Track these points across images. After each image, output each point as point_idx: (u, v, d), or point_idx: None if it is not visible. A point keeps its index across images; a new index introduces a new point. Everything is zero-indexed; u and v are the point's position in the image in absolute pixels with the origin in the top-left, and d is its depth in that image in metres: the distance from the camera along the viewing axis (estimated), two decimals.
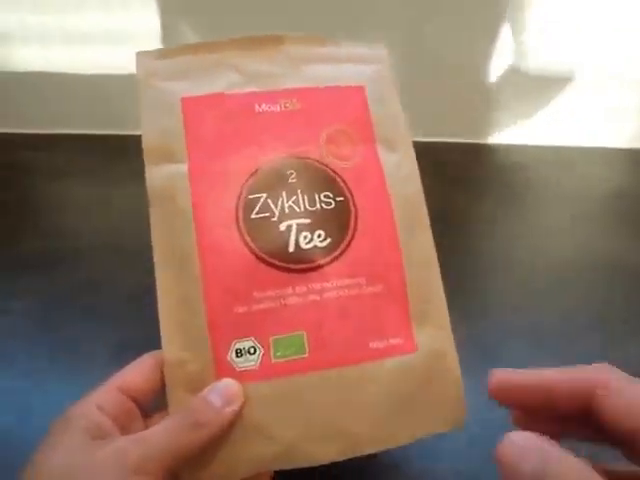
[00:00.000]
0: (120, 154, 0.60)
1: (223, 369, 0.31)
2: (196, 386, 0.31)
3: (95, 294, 0.50)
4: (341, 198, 0.34)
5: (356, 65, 0.38)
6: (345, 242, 0.33)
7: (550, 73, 0.76)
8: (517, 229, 0.59)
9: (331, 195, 0.34)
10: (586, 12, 0.71)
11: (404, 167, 0.36)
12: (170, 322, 0.32)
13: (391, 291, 0.34)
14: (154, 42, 0.69)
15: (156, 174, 0.34)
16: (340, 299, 0.33)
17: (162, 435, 0.28)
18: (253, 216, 0.33)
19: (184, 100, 0.36)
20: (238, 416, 0.30)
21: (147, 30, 0.69)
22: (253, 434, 0.31)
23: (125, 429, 0.31)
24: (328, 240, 0.33)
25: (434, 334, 0.34)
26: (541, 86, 0.77)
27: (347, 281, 0.33)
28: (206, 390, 0.30)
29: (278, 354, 0.32)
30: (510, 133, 0.79)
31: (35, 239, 0.56)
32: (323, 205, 0.34)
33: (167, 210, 0.34)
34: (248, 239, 0.33)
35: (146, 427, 0.31)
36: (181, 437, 0.29)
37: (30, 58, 0.69)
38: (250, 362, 0.31)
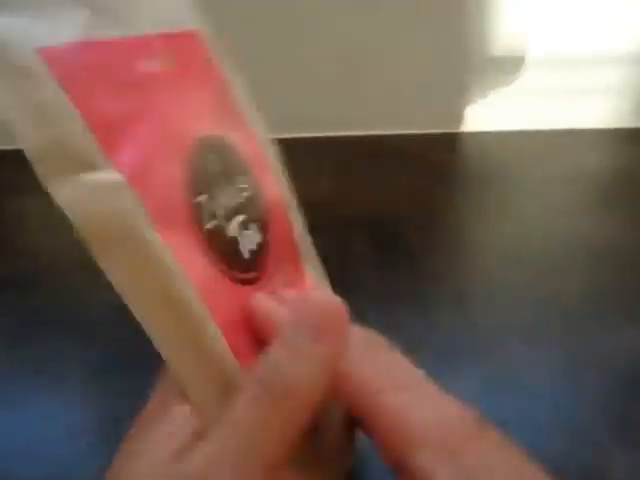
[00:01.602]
0: None
1: None
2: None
3: (66, 312, 0.45)
4: (244, 176, 0.28)
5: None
6: (269, 232, 0.29)
7: (519, 56, 0.71)
8: (498, 216, 0.55)
9: (244, 178, 0.27)
10: None
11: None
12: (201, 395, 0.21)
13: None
14: None
15: (75, 191, 0.18)
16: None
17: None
18: (207, 227, 0.24)
19: (41, 52, 0.18)
20: None
21: None
22: None
23: None
24: (261, 232, 0.28)
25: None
26: (512, 69, 0.72)
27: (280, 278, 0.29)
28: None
29: None
30: (485, 120, 0.72)
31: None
32: (244, 192, 0.27)
33: (127, 243, 0.19)
34: (214, 260, 0.24)
35: None
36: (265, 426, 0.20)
37: None
38: None
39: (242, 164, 0.28)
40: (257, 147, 0.31)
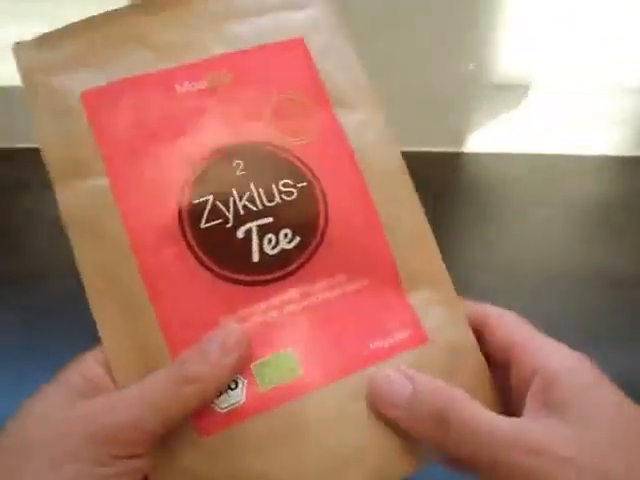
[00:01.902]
0: None
1: (203, 415, 0.26)
2: (177, 442, 0.26)
3: (72, 310, 0.44)
4: (303, 184, 0.29)
5: (289, 12, 0.31)
6: (317, 237, 0.28)
7: (525, 80, 0.75)
8: (495, 237, 0.58)
9: (291, 182, 0.29)
10: (571, 17, 0.69)
11: (371, 129, 0.30)
12: (127, 374, 0.27)
13: (381, 281, 0.29)
14: None
15: (69, 195, 0.27)
16: (323, 304, 0.28)
17: (143, 395, 0.24)
18: (203, 226, 0.27)
19: (84, 95, 0.28)
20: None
21: None
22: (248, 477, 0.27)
23: None
24: (297, 239, 0.28)
25: (445, 319, 0.29)
26: (518, 93, 0.76)
27: (325, 282, 0.28)
28: (204, 339, 0.26)
29: (266, 381, 0.27)
30: (487, 142, 0.77)
31: (9, 254, 0.54)
32: (284, 196, 0.28)
33: (93, 238, 0.27)
34: (201, 255, 0.27)
35: None
36: (166, 395, 0.24)
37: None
38: (234, 399, 0.26)
39: (295, 169, 0.28)
40: (340, 155, 0.29)
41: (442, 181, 0.64)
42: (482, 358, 0.29)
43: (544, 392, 0.25)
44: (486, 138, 0.76)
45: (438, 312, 0.29)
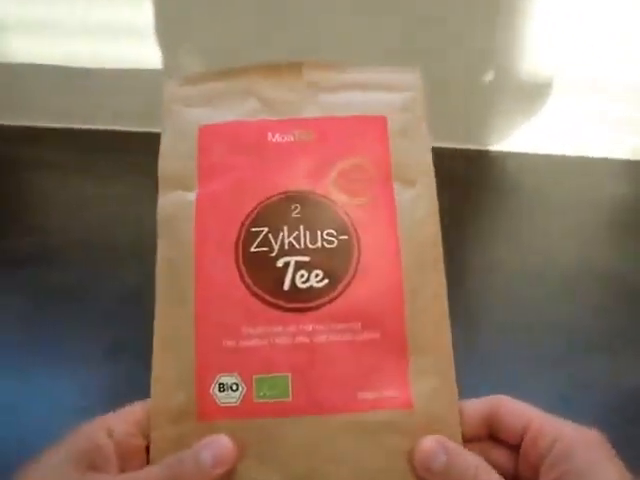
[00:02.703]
0: (106, 149, 0.59)
1: (206, 402, 0.31)
2: (178, 419, 0.31)
3: (85, 293, 0.48)
4: (345, 237, 0.33)
5: (380, 93, 0.36)
6: (343, 284, 0.32)
7: (549, 81, 0.74)
8: (514, 236, 0.56)
9: (334, 233, 0.33)
10: (593, 21, 0.67)
11: (420, 208, 0.34)
12: (162, 350, 0.32)
13: (389, 340, 0.32)
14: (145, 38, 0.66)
15: (166, 201, 0.34)
16: (331, 344, 0.31)
17: None
18: (252, 249, 0.33)
19: (201, 128, 0.35)
20: None
21: (135, 26, 0.67)
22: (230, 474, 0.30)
23: (127, 460, 0.30)
24: (325, 281, 0.32)
25: (435, 392, 0.31)
26: (541, 94, 0.75)
27: (341, 325, 0.32)
28: (201, 444, 0.29)
29: (261, 394, 0.31)
30: (510, 141, 0.76)
31: (21, 236, 0.54)
32: (325, 243, 0.33)
33: (171, 235, 0.34)
34: (244, 272, 0.32)
35: (148, 462, 0.31)
36: None
37: (16, 50, 0.66)
38: (231, 398, 0.31)
39: (341, 224, 0.32)
40: (384, 222, 0.33)
41: (465, 179, 0.62)
42: (459, 434, 0.31)
43: (565, 459, 0.28)
44: (513, 138, 0.74)
45: (430, 383, 0.31)
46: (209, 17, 0.67)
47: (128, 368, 0.36)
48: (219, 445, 0.30)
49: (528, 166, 0.71)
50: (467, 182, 0.67)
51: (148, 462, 0.32)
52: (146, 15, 0.66)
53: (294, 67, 0.36)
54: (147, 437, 0.32)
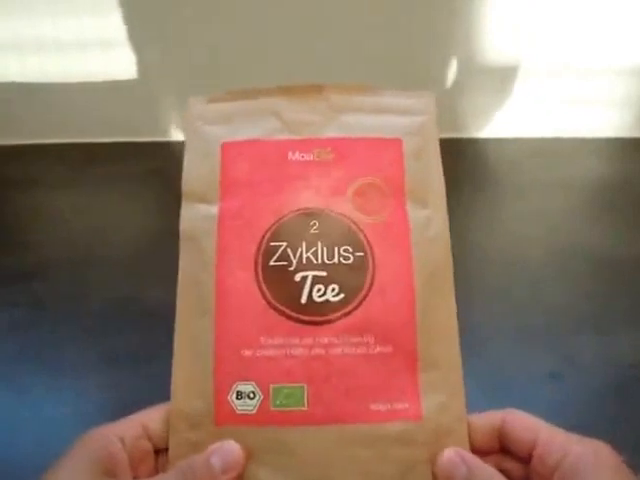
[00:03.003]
0: (91, 162, 0.60)
1: (223, 409, 0.32)
2: (197, 423, 0.32)
3: (78, 304, 0.49)
4: (361, 253, 0.34)
5: (397, 116, 0.38)
6: (358, 299, 0.33)
7: (523, 64, 0.74)
8: (495, 222, 0.58)
9: (351, 249, 0.34)
10: (571, 3, 0.68)
11: (433, 226, 0.36)
12: (181, 357, 0.34)
13: (400, 354, 0.33)
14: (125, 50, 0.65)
15: (189, 213, 0.36)
16: (346, 356, 0.33)
17: None
18: (271, 263, 0.34)
19: (224, 145, 0.37)
20: None
21: (121, 37, 0.66)
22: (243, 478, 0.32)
23: (136, 466, 0.32)
24: (341, 295, 0.33)
25: (444, 406, 0.33)
26: (515, 78, 0.75)
27: (355, 339, 0.33)
28: (211, 450, 0.31)
29: (277, 402, 0.32)
30: (487, 127, 0.76)
31: (12, 251, 0.54)
32: (341, 259, 0.34)
33: (193, 248, 0.35)
34: (263, 285, 0.34)
35: (155, 466, 0.33)
36: None
37: (3, 68, 0.67)
38: (248, 406, 0.32)
39: (358, 241, 0.34)
40: (399, 240, 0.34)
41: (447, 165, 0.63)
42: (467, 445, 0.32)
43: (573, 475, 0.29)
44: (485, 123, 0.74)
45: (440, 396, 0.32)
46: (186, 25, 0.67)
47: (125, 376, 0.37)
48: (228, 451, 0.31)
49: (503, 151, 0.72)
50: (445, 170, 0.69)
51: (157, 465, 0.33)
52: (118, 27, 0.66)
53: (315, 89, 0.38)
54: (155, 442, 0.33)
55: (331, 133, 0.37)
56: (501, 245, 0.56)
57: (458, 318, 0.34)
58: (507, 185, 0.65)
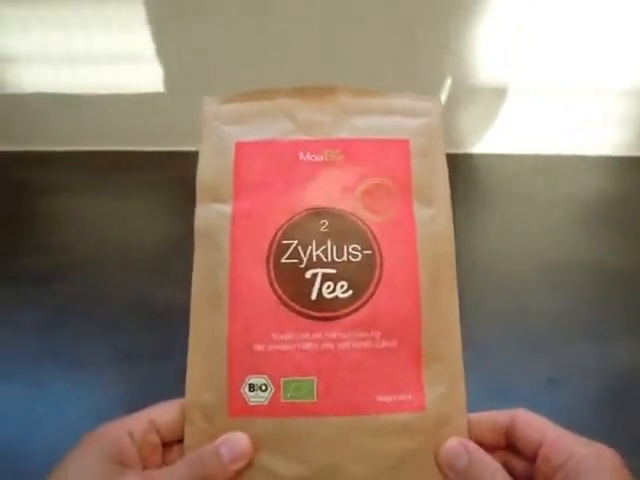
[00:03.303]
0: (114, 170, 0.62)
1: (236, 401, 0.34)
2: (211, 414, 0.34)
3: (96, 304, 0.50)
4: (369, 252, 0.35)
5: (404, 118, 0.39)
6: (366, 296, 0.34)
7: (523, 83, 0.74)
8: (496, 235, 0.59)
9: (359, 248, 0.35)
10: (572, 23, 0.68)
11: (437, 224, 0.37)
12: (196, 350, 0.35)
13: (405, 348, 0.34)
14: (150, 62, 0.68)
15: (203, 212, 0.37)
16: (354, 351, 0.34)
17: None
18: (283, 261, 0.35)
19: (238, 145, 0.38)
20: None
21: (143, 50, 0.68)
22: (256, 466, 0.33)
23: (145, 460, 0.33)
24: (350, 292, 0.34)
25: (445, 396, 0.34)
26: (514, 97, 0.75)
27: (363, 334, 0.34)
28: (219, 440, 0.32)
29: (288, 395, 0.33)
30: (493, 143, 0.77)
31: (33, 254, 0.56)
32: (350, 257, 0.35)
33: (208, 245, 0.36)
34: (275, 282, 0.35)
35: (164, 459, 0.34)
36: None
37: (27, 78, 0.69)
38: (261, 398, 0.33)
39: (366, 239, 0.35)
40: (405, 238, 0.35)
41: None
42: (466, 435, 0.34)
43: (573, 477, 0.30)
44: (485, 140, 0.74)
45: (442, 388, 0.34)
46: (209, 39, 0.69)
47: (140, 374, 0.39)
48: (237, 441, 0.33)
49: (503, 167, 0.73)
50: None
51: (164, 458, 0.34)
52: (144, 40, 0.68)
53: (327, 91, 0.39)
54: (162, 435, 0.34)
55: (341, 134, 0.38)
56: (500, 258, 0.57)
57: (461, 322, 0.35)
58: (506, 201, 0.66)
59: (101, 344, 0.45)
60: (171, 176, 0.61)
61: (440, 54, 0.77)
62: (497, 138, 0.76)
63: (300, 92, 0.39)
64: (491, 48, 0.71)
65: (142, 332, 0.46)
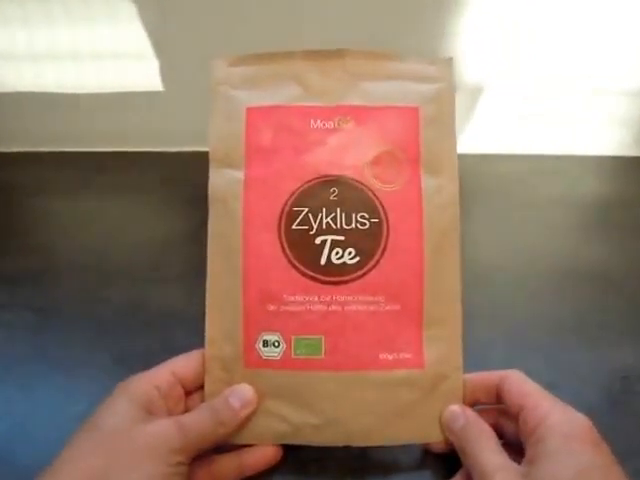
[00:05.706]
0: (101, 171, 0.62)
1: (251, 355, 0.37)
2: (229, 366, 0.37)
3: (88, 306, 0.50)
4: (376, 220, 0.37)
5: (415, 83, 0.39)
6: (372, 262, 0.37)
7: (518, 81, 0.72)
8: (490, 235, 0.59)
9: (367, 216, 0.37)
10: (572, 22, 0.66)
11: (444, 193, 0.38)
12: (214, 308, 0.38)
13: (408, 311, 0.37)
14: (146, 58, 0.65)
15: (216, 177, 0.38)
16: (359, 313, 0.37)
17: (197, 426, 0.34)
18: (294, 227, 0.37)
19: (249, 110, 0.38)
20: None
21: (135, 47, 0.64)
22: (269, 412, 0.37)
23: (170, 409, 0.36)
24: (357, 258, 0.37)
25: (443, 356, 0.37)
26: (508, 95, 0.72)
27: (368, 298, 0.37)
28: (228, 391, 0.36)
29: (298, 351, 0.37)
30: (492, 143, 0.75)
31: (24, 254, 0.56)
32: (358, 225, 0.37)
33: (222, 210, 0.38)
34: (286, 247, 0.37)
35: (186, 406, 0.38)
36: (209, 431, 0.35)
37: (13, 76, 0.66)
38: (274, 353, 0.37)
39: (374, 208, 0.36)
40: (411, 207, 0.37)
41: None
42: (460, 391, 0.37)
43: (541, 441, 0.31)
44: (484, 140, 0.74)
45: (440, 348, 0.37)
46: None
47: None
48: (243, 391, 0.37)
49: (502, 168, 0.71)
50: None
51: (186, 404, 0.38)
52: (132, 37, 0.65)
53: (337, 55, 0.39)
54: (184, 385, 0.38)
55: (351, 100, 0.38)
56: (499, 260, 0.56)
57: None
58: (506, 201, 0.65)
59: (93, 346, 0.46)
60: (159, 176, 0.60)
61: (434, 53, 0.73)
62: (496, 138, 0.74)
63: (309, 56, 0.39)
64: (489, 47, 0.68)
65: (134, 333, 0.47)
